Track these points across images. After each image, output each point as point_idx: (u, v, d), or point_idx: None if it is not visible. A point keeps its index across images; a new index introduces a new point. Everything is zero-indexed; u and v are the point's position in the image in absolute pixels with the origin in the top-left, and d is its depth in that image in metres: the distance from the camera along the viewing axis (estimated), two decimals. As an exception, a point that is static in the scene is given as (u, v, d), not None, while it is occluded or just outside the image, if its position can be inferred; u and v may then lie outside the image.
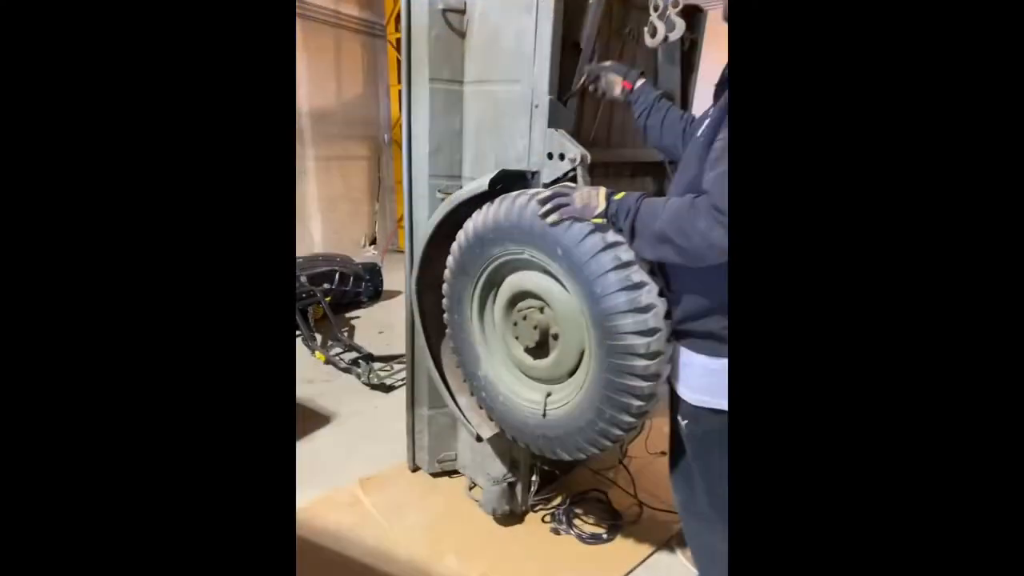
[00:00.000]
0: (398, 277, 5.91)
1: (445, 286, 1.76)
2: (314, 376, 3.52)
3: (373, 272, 4.98)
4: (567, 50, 1.68)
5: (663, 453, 2.64)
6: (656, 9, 1.74)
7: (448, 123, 1.88)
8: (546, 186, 1.68)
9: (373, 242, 7.65)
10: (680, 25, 1.78)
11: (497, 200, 1.52)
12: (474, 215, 1.59)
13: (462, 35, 1.80)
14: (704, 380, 1.24)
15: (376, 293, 5.01)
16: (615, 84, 1.70)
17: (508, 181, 1.64)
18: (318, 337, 3.87)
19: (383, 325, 4.44)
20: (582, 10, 1.67)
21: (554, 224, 1.34)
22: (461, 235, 1.64)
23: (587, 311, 1.32)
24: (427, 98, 1.84)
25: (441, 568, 1.87)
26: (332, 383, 3.42)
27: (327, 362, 3.61)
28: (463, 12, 1.77)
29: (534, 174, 1.69)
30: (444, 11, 1.75)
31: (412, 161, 1.96)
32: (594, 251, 1.27)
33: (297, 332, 3.82)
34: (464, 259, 1.64)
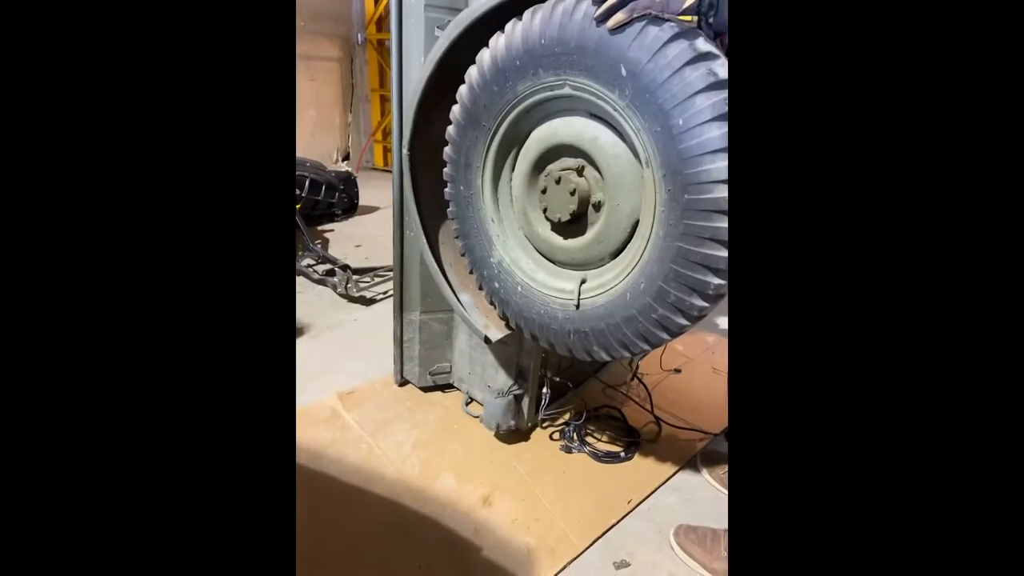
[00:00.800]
0: (374, 192, 5.45)
1: (448, 149, 1.37)
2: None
3: (348, 182, 4.48)
4: None
5: (677, 370, 2.43)
6: None
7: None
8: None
9: (346, 158, 7.01)
10: None
11: (527, 13, 1.11)
12: (494, 38, 1.18)
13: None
14: None
15: (352, 206, 4.54)
16: None
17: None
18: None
19: (360, 239, 4.03)
20: None
21: (617, 29, 0.95)
22: (473, 70, 1.23)
23: (658, 155, 0.97)
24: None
25: (438, 488, 1.61)
26: (303, 295, 3.05)
27: (297, 273, 3.21)
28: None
29: None
30: None
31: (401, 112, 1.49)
32: (678, 64, 0.90)
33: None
34: (476, 104, 1.24)
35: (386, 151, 6.81)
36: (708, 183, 0.91)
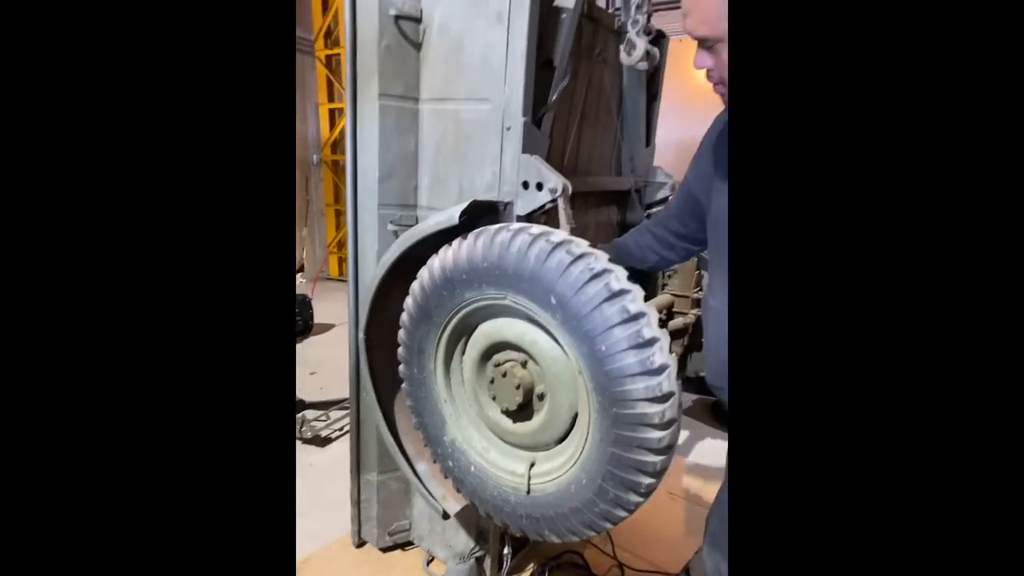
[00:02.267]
0: (331, 308, 5.46)
1: (402, 333, 1.49)
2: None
3: (302, 304, 4.51)
4: (539, 68, 1.50)
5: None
6: (635, 24, 1.62)
7: (401, 145, 1.63)
8: (520, 219, 1.48)
9: (301, 269, 7.07)
10: (655, 50, 1.67)
11: (471, 235, 1.28)
12: (441, 251, 1.34)
13: (418, 46, 1.58)
14: None
15: (306, 328, 4.54)
16: None
17: (476, 214, 1.41)
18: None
19: (314, 364, 3.99)
20: (554, 24, 1.50)
21: (544, 262, 1.12)
22: (425, 274, 1.38)
23: (587, 372, 1.11)
24: (376, 116, 1.58)
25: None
26: (255, 437, 2.95)
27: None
28: (419, 20, 1.55)
29: (507, 205, 1.48)
30: (397, 18, 1.52)
31: (358, 189, 1.68)
32: (597, 301, 1.06)
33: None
34: (428, 303, 1.38)
35: (341, 261, 6.93)
36: (631, 400, 1.05)
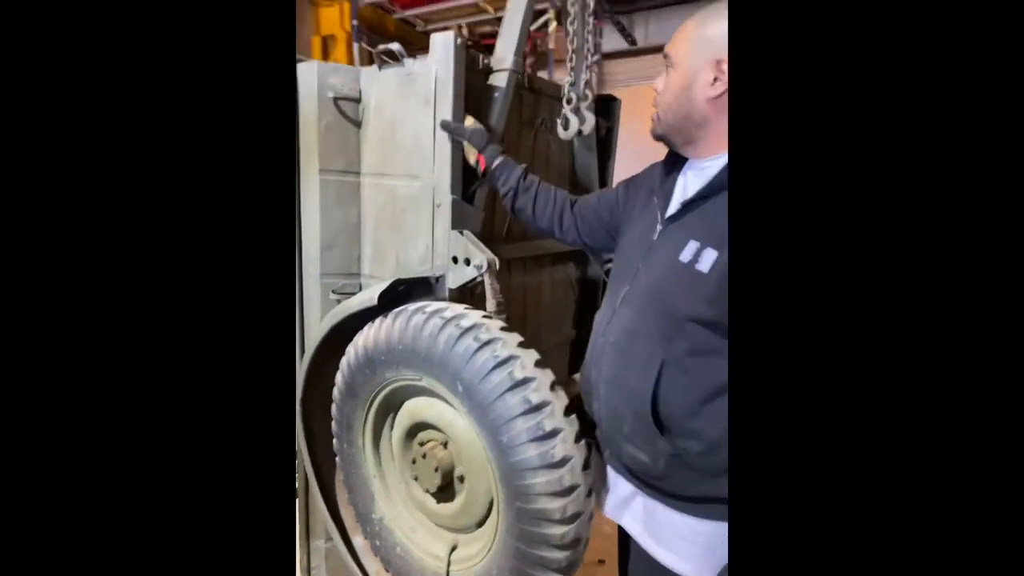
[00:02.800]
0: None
1: (334, 408, 1.48)
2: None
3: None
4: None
5: (601, 561, 2.39)
6: (569, 102, 1.66)
7: (343, 216, 1.67)
8: (452, 292, 1.49)
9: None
10: (591, 119, 1.71)
11: (391, 315, 1.29)
12: (364, 330, 1.35)
13: (357, 124, 1.63)
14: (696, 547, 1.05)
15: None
16: (469, 155, 1.47)
17: (406, 290, 1.42)
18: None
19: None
20: (489, 99, 1.55)
21: (452, 346, 1.12)
22: (351, 351, 1.38)
23: (493, 462, 1.10)
24: (317, 190, 1.63)
25: None
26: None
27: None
28: (358, 101, 1.61)
29: (438, 279, 1.50)
30: (336, 99, 1.58)
31: (303, 259, 1.71)
32: (500, 390, 1.06)
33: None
34: (353, 380, 1.38)
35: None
36: (532, 495, 1.03)
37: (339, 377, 1.44)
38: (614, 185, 1.49)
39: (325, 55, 6.03)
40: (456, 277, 1.45)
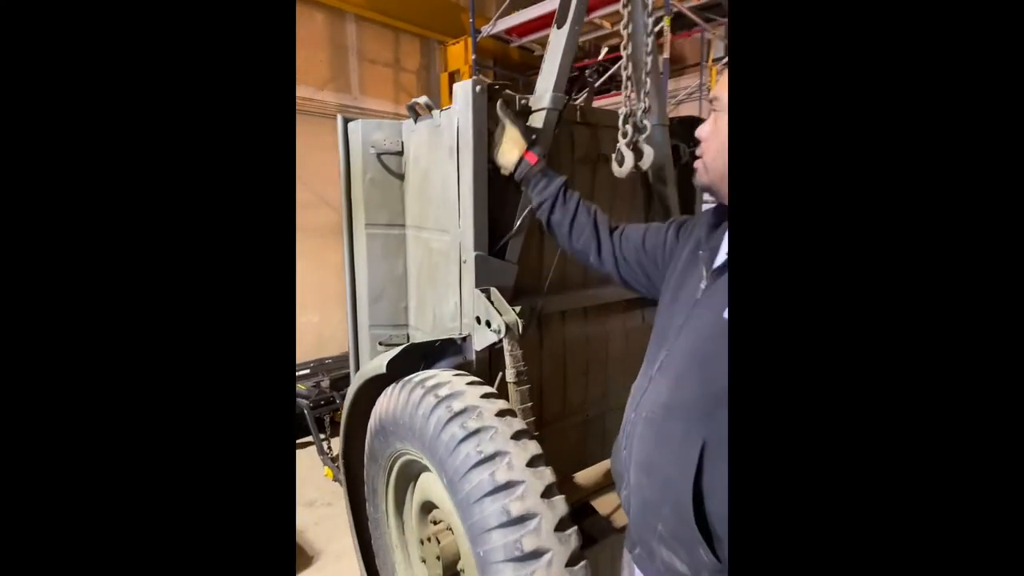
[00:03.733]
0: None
1: (364, 470, 1.47)
2: (316, 497, 3.29)
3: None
4: (506, 189, 1.43)
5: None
6: (624, 136, 1.45)
7: (389, 268, 1.67)
8: (478, 354, 1.38)
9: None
10: (650, 152, 1.47)
11: (400, 384, 1.23)
12: (382, 395, 1.31)
13: (401, 177, 1.62)
14: None
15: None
16: (509, 151, 1.30)
17: (427, 354, 1.35)
18: (333, 449, 3.68)
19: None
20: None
21: (439, 432, 1.01)
22: (373, 415, 1.35)
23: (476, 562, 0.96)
24: (364, 243, 1.65)
25: None
26: (334, 507, 3.17)
27: (335, 479, 3.38)
28: (401, 154, 1.60)
29: (464, 339, 1.40)
30: (379, 155, 1.59)
31: (356, 310, 1.75)
32: (480, 493, 0.92)
33: (309, 440, 3.66)
34: (373, 445, 1.34)
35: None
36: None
37: (366, 438, 1.42)
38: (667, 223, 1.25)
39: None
40: (480, 339, 1.34)
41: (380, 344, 1.70)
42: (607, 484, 1.57)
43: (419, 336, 1.67)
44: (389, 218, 1.64)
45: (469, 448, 0.97)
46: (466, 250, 1.36)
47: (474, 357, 1.39)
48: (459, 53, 6.13)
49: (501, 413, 1.04)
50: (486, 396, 1.08)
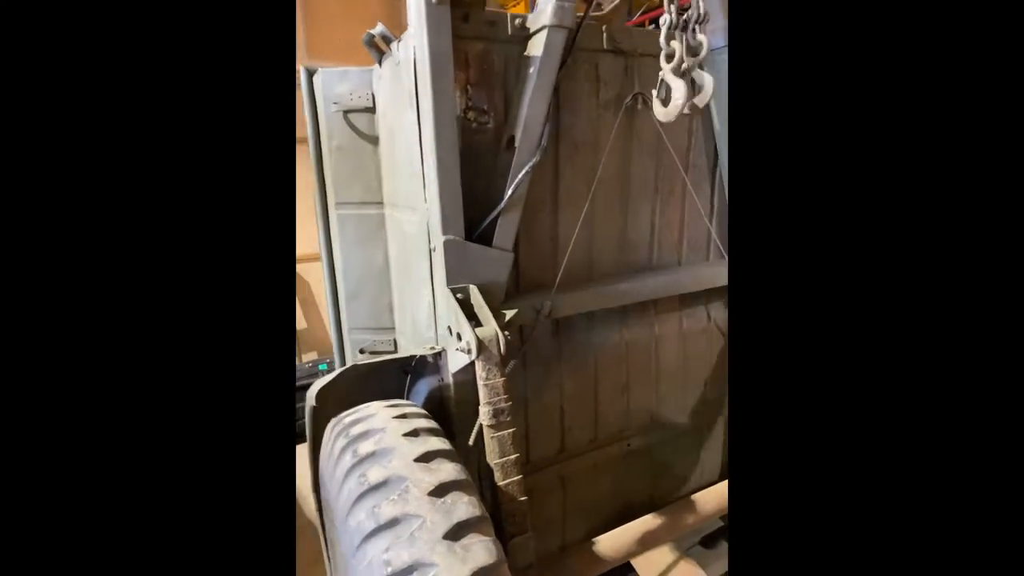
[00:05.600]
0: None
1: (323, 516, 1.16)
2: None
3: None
4: (493, 146, 1.03)
5: None
6: (670, 59, 0.99)
7: (367, 258, 1.33)
8: (454, 377, 1.01)
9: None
10: (709, 84, 0.99)
11: (332, 427, 0.90)
12: (322, 447, 0.98)
13: (375, 141, 1.26)
14: None
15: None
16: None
17: (419, 364, 1.01)
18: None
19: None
20: (524, 77, 1.01)
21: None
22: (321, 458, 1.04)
23: None
24: (336, 227, 1.33)
25: None
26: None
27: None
28: (372, 110, 1.24)
29: (438, 355, 1.03)
30: (346, 113, 1.24)
31: (338, 310, 1.44)
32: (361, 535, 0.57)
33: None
34: (321, 495, 1.03)
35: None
36: None
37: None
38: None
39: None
40: (456, 358, 0.96)
41: (361, 352, 1.38)
42: (646, 548, 1.15)
43: (404, 344, 1.32)
44: (363, 194, 1.29)
45: (373, 551, 0.61)
46: (434, 234, 0.98)
47: (451, 380, 1.02)
48: None
49: (439, 490, 0.67)
50: (425, 458, 0.71)
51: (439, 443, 0.76)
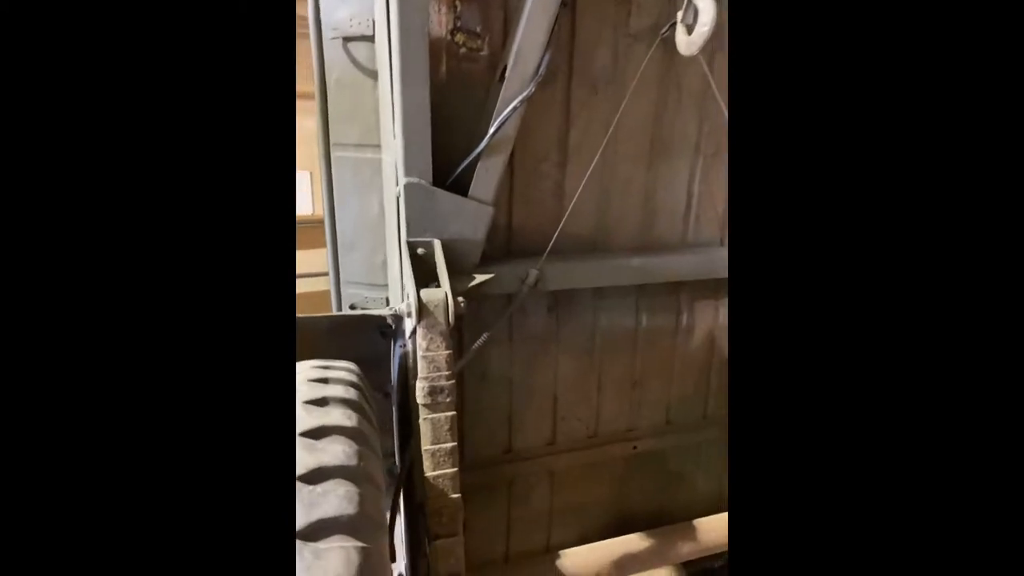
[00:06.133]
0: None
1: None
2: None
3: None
4: (484, 85, 0.86)
5: None
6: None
7: (362, 207, 1.23)
8: (409, 345, 0.88)
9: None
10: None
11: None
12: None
13: (374, 75, 1.13)
14: None
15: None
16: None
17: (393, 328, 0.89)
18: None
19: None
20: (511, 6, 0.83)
21: None
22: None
23: None
24: (334, 172, 1.23)
25: None
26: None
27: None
28: (372, 39, 1.10)
29: (398, 322, 0.90)
30: (345, 42, 1.12)
31: (337, 262, 1.36)
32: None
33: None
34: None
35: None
36: None
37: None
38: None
39: None
40: (408, 324, 0.83)
41: (351, 308, 1.29)
42: (622, 573, 0.96)
43: (394, 302, 1.21)
44: (360, 136, 1.18)
45: None
46: (399, 176, 0.84)
47: (409, 348, 0.89)
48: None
49: (312, 476, 0.54)
50: (313, 433, 0.59)
51: (343, 418, 0.64)
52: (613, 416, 1.20)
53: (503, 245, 1.00)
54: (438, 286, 0.79)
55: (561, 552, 0.98)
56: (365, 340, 1.00)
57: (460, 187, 0.86)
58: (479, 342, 0.92)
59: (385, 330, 1.00)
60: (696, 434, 1.27)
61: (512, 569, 0.96)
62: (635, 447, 1.23)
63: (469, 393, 1.08)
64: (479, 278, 0.86)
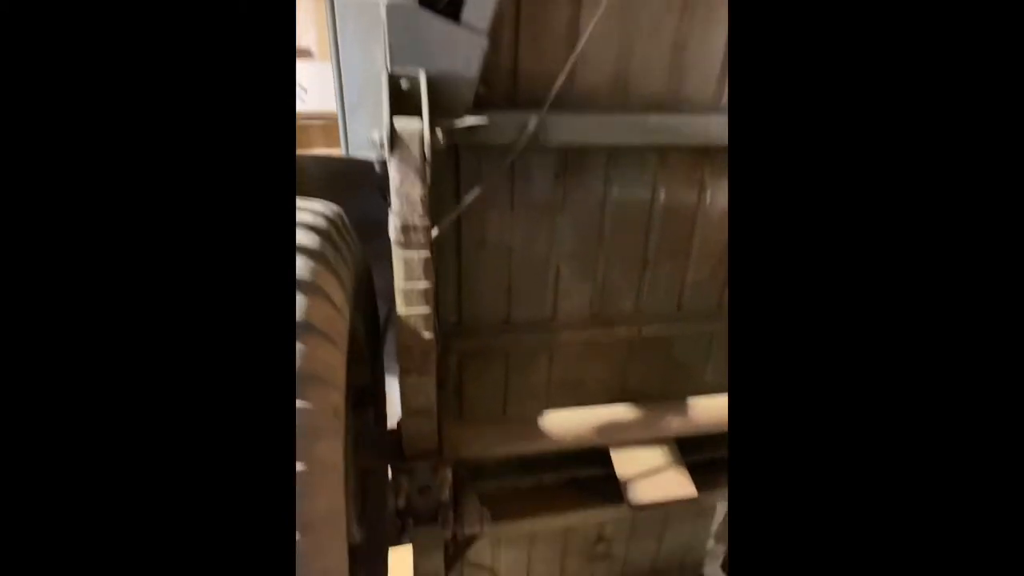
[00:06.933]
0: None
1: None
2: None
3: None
4: None
5: None
6: None
7: (367, 59, 1.14)
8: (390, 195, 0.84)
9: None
10: None
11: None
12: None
13: None
14: None
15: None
16: None
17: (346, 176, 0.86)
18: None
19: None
20: None
21: None
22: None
23: None
24: (339, 18, 1.13)
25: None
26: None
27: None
28: None
29: (378, 166, 0.86)
30: None
31: (346, 122, 1.30)
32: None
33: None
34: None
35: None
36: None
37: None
38: None
39: None
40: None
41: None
42: (606, 441, 0.96)
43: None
44: (363, -32, 1.06)
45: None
46: (384, -5, 0.75)
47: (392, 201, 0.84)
48: None
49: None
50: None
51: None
52: (619, 296, 1.15)
53: (507, 92, 0.91)
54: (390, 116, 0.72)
55: (544, 411, 0.98)
56: (367, 203, 0.97)
57: (452, 12, 0.76)
58: (472, 193, 0.87)
59: (385, 191, 0.96)
60: (708, 323, 1.20)
61: (489, 427, 0.98)
62: (640, 331, 1.18)
63: (467, 257, 1.05)
64: (470, 120, 0.79)
